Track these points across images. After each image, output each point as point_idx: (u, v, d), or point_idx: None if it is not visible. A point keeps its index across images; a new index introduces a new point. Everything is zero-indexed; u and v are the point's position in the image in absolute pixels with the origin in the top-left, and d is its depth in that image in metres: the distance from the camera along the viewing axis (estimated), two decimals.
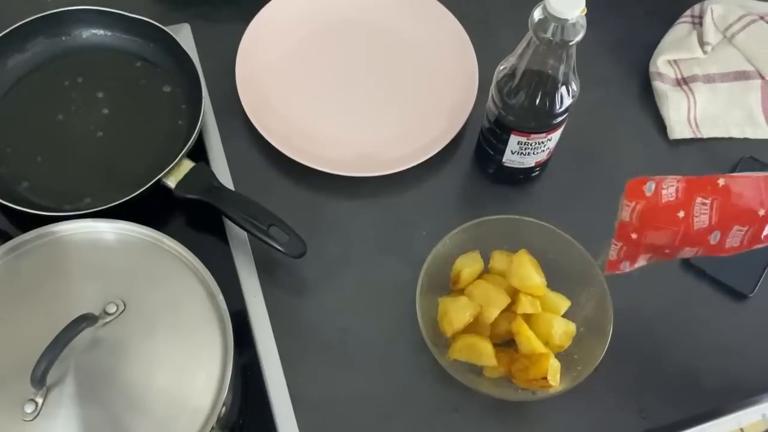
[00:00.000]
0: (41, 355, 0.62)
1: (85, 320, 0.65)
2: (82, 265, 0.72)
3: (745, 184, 0.63)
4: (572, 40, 0.71)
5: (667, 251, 0.66)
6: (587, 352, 0.76)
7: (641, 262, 0.68)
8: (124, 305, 0.69)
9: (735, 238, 0.63)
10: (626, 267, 0.69)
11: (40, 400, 0.64)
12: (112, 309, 0.68)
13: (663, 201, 0.64)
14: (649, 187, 0.65)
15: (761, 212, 0.62)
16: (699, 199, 0.63)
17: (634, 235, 0.66)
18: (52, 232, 0.73)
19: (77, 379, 0.65)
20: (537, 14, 0.71)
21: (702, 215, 0.63)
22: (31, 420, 0.63)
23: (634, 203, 0.65)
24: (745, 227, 0.63)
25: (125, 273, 0.72)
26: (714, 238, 0.64)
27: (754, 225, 0.63)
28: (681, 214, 0.63)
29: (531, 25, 0.72)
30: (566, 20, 0.69)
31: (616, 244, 0.68)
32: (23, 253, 0.72)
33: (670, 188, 0.64)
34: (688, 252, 0.65)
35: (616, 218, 0.68)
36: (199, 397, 0.66)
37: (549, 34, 0.71)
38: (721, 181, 0.63)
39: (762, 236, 0.63)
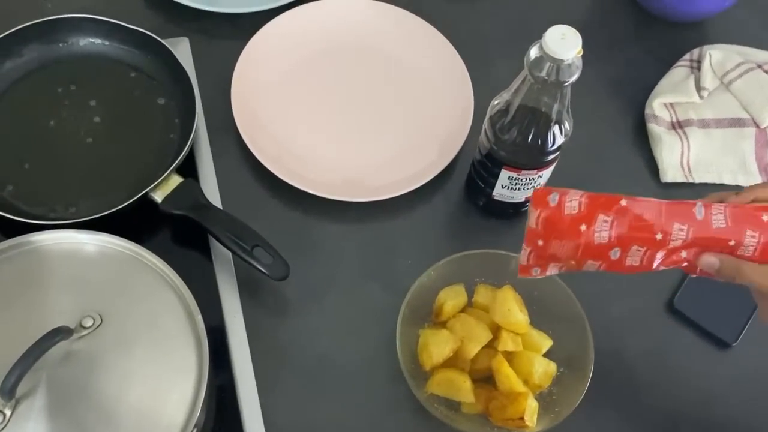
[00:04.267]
0: (12, 366, 0.61)
1: (60, 333, 0.64)
2: (60, 277, 0.71)
3: (645, 207, 0.65)
4: (567, 81, 0.71)
5: (572, 262, 0.68)
6: (566, 393, 0.76)
7: (552, 270, 0.70)
8: (101, 319, 0.68)
9: (635, 257, 0.66)
10: (537, 273, 0.70)
11: (8, 412, 0.63)
12: (88, 322, 0.68)
13: (565, 213, 0.66)
14: (553, 198, 0.67)
15: (658, 236, 0.64)
16: (601, 216, 0.65)
17: (540, 242, 0.68)
18: (32, 241, 0.72)
19: (49, 391, 0.65)
20: (533, 53, 0.71)
21: (603, 231, 0.65)
22: None
23: (538, 211, 0.68)
24: (644, 248, 0.65)
25: (104, 286, 0.71)
26: (614, 254, 0.66)
27: (651, 248, 0.65)
28: (583, 227, 0.66)
29: (527, 63, 0.72)
30: (562, 61, 0.69)
31: (525, 249, 0.70)
32: (0, 261, 0.71)
33: (573, 202, 0.66)
34: (591, 265, 0.67)
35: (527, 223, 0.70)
36: (171, 416, 0.66)
37: (544, 74, 0.71)
38: (623, 202, 0.66)
39: (653, 266, 0.66)
